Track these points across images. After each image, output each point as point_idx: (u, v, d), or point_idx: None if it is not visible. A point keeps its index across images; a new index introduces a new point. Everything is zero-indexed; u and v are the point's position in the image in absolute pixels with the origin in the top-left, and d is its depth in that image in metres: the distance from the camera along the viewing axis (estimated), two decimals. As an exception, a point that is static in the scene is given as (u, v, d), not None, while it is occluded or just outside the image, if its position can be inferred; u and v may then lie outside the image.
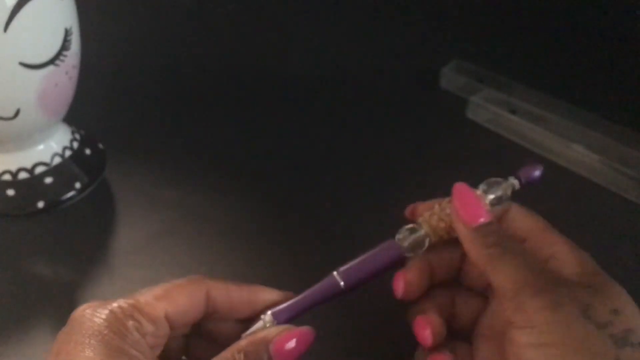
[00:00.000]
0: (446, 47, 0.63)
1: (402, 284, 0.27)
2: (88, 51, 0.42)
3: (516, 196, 0.28)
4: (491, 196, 0.28)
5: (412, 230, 0.28)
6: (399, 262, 0.28)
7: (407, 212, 0.30)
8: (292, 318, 0.26)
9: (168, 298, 0.24)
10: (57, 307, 0.35)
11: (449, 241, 0.28)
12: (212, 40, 0.67)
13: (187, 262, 0.38)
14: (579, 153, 0.45)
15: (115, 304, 0.23)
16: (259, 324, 0.25)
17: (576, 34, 0.63)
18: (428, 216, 0.28)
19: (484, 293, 0.28)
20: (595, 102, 0.50)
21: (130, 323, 0.22)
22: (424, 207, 0.29)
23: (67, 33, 0.37)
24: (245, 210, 0.42)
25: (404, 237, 0.28)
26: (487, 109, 0.51)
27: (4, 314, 0.34)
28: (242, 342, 0.23)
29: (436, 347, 0.26)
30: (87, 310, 0.22)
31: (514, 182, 0.28)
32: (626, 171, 0.43)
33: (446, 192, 0.28)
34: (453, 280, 0.29)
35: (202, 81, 0.59)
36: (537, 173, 0.28)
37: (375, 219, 0.31)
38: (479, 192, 0.28)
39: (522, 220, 0.27)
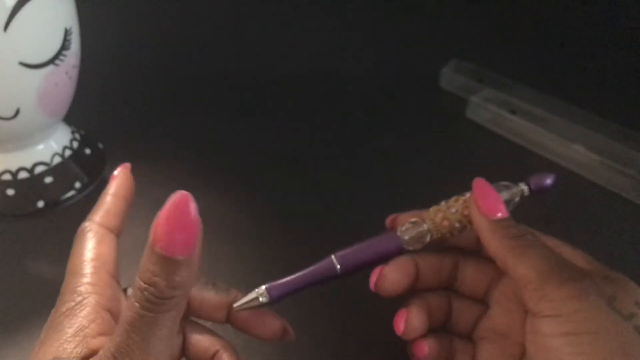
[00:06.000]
0: (446, 47, 0.63)
1: (376, 277, 0.27)
2: (88, 51, 0.42)
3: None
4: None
5: (415, 224, 0.27)
6: (397, 255, 0.27)
7: (388, 222, 0.30)
8: (285, 295, 0.26)
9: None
10: (57, 306, 0.35)
11: (439, 249, 0.28)
12: (212, 40, 0.67)
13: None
14: (579, 153, 0.45)
15: None
16: (252, 295, 0.26)
17: (576, 34, 0.63)
18: (433, 213, 0.27)
19: (483, 301, 0.28)
20: (596, 103, 0.50)
21: None
22: (405, 217, 0.29)
23: (67, 33, 0.37)
24: (245, 209, 0.42)
25: (406, 230, 0.27)
26: (487, 109, 0.51)
27: (4, 314, 0.34)
28: None
29: (413, 340, 0.27)
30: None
31: (523, 187, 0.28)
32: (626, 171, 0.43)
33: (446, 192, 0.28)
34: (448, 288, 0.29)
35: (202, 81, 0.59)
36: (548, 181, 0.28)
37: (374, 218, 0.31)
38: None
39: None
